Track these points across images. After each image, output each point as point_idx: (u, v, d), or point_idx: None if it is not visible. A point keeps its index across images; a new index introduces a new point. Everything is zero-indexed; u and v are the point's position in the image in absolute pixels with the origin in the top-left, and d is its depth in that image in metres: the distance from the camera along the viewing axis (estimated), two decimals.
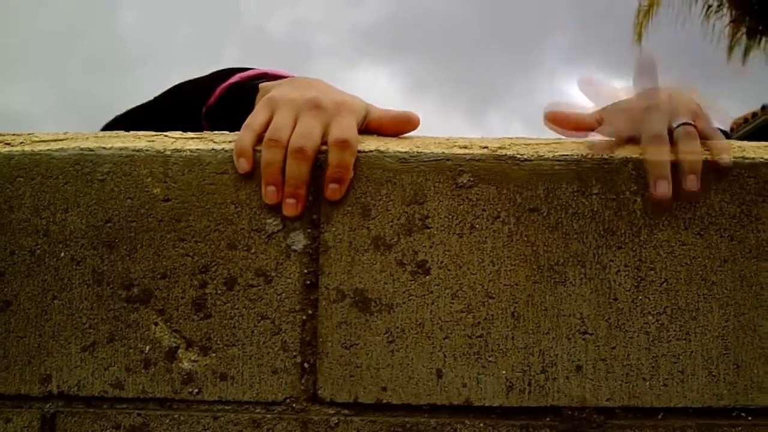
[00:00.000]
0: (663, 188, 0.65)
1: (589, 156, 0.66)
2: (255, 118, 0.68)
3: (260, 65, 0.86)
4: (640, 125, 0.69)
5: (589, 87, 0.73)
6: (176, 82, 0.90)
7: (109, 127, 0.89)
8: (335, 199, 0.66)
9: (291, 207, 0.66)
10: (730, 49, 9.24)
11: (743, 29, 9.14)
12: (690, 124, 0.68)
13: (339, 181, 0.65)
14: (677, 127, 0.67)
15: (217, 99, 0.83)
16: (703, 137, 0.68)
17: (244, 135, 0.67)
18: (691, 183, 0.65)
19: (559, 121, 0.71)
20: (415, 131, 0.73)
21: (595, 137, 0.69)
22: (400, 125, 0.72)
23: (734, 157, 0.67)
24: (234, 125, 0.71)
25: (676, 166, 0.66)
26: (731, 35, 9.16)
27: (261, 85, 0.76)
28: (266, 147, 0.66)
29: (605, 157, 0.67)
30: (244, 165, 0.66)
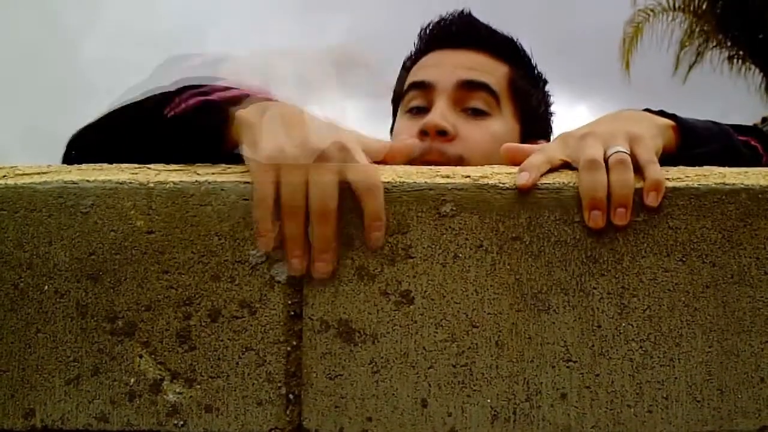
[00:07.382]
0: (596, 218, 0.65)
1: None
2: (263, 190, 0.64)
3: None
4: (575, 150, 0.68)
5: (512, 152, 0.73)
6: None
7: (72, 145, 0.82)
8: (379, 246, 0.66)
9: (322, 268, 0.64)
10: (677, 62, 9.37)
11: (692, 44, 9.27)
12: (624, 151, 0.67)
13: (379, 228, 0.65)
14: (612, 154, 0.67)
15: (186, 111, 0.73)
16: (638, 166, 0.66)
17: (262, 214, 0.64)
18: (620, 217, 0.64)
19: (513, 156, 0.72)
20: None
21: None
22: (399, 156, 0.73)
23: (714, 184, 0.67)
24: (197, 143, 0.70)
25: None
26: (680, 48, 9.28)
27: (236, 114, 0.69)
28: (287, 220, 0.63)
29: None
30: (269, 245, 0.65)
